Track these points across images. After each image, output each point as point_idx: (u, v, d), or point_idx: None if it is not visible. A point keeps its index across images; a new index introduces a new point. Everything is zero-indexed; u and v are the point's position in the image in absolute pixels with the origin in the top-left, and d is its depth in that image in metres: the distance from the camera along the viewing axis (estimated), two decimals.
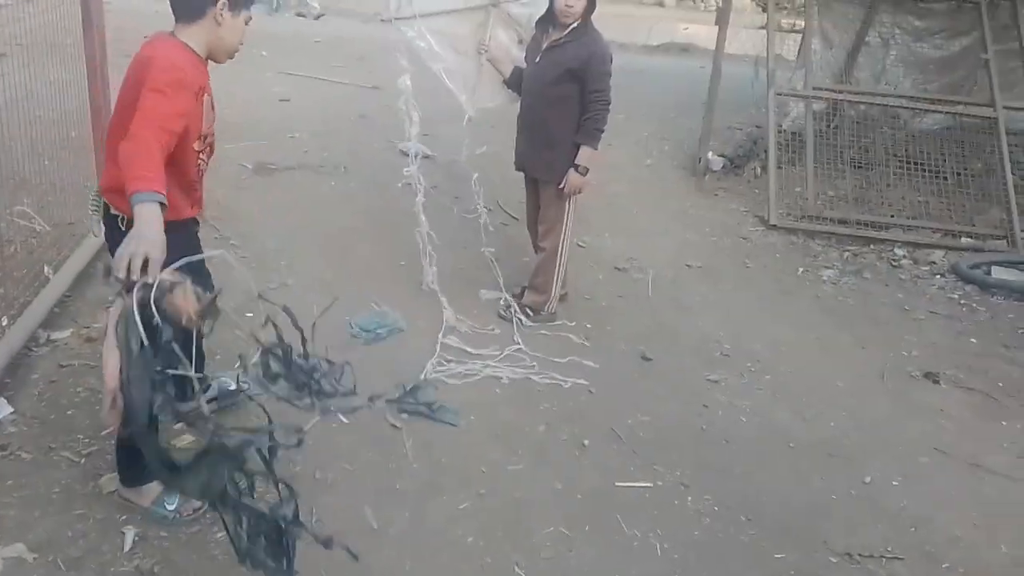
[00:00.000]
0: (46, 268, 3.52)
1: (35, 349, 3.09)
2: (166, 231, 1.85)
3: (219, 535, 2.34)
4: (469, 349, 3.58)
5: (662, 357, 3.73)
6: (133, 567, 2.18)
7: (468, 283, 4.21)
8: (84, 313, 3.41)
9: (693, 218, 5.69)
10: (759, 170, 6.56)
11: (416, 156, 4.15)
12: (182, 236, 2.29)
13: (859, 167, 6.54)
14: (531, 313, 3.93)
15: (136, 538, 2.28)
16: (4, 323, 3.17)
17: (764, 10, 7.62)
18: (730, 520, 2.71)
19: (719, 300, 4.46)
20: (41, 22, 3.87)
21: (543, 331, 3.84)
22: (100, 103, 3.87)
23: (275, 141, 5.90)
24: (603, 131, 3.71)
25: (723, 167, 6.50)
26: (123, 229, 2.18)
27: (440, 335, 3.65)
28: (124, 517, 2.35)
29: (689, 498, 2.79)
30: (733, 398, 3.46)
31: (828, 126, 6.65)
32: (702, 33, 15.64)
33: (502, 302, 4.01)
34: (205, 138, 2.42)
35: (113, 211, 2.29)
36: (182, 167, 2.31)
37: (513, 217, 5.18)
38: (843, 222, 5.81)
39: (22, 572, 2.10)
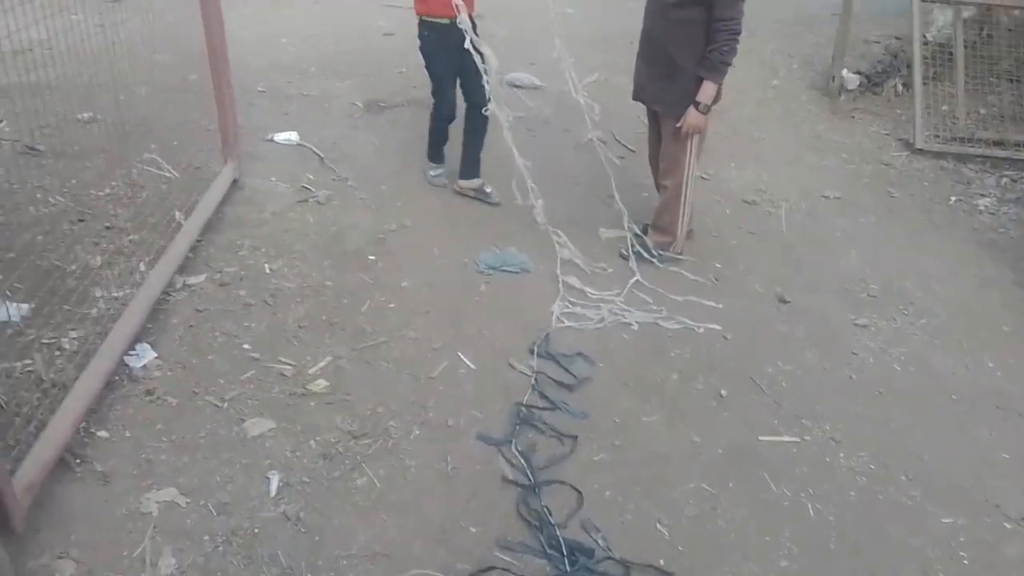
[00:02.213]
0: (177, 214, 3.59)
1: (172, 294, 3.17)
2: None
3: (359, 481, 2.36)
4: (591, 292, 3.44)
5: (801, 299, 3.47)
6: (280, 512, 2.22)
7: (586, 220, 4.04)
8: (216, 258, 3.48)
9: (828, 143, 5.24)
10: (901, 87, 5.97)
11: (493, 84, 3.80)
12: None
13: (1015, 80, 5.82)
14: (656, 253, 3.73)
15: (281, 483, 2.32)
16: (142, 268, 3.27)
17: None
18: (888, 479, 2.51)
19: (862, 235, 4.10)
20: None
21: (670, 272, 3.64)
22: (216, 44, 3.85)
23: (383, 77, 5.81)
24: (730, 64, 3.31)
25: (860, 85, 5.92)
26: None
27: (559, 275, 3.52)
28: (268, 462, 2.39)
29: (841, 455, 2.59)
30: (884, 344, 3.18)
31: (980, 35, 5.93)
32: None
33: (624, 241, 3.82)
34: None
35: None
36: None
37: (630, 150, 4.93)
38: (999, 143, 5.21)
39: (175, 516, 2.17)
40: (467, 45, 3.60)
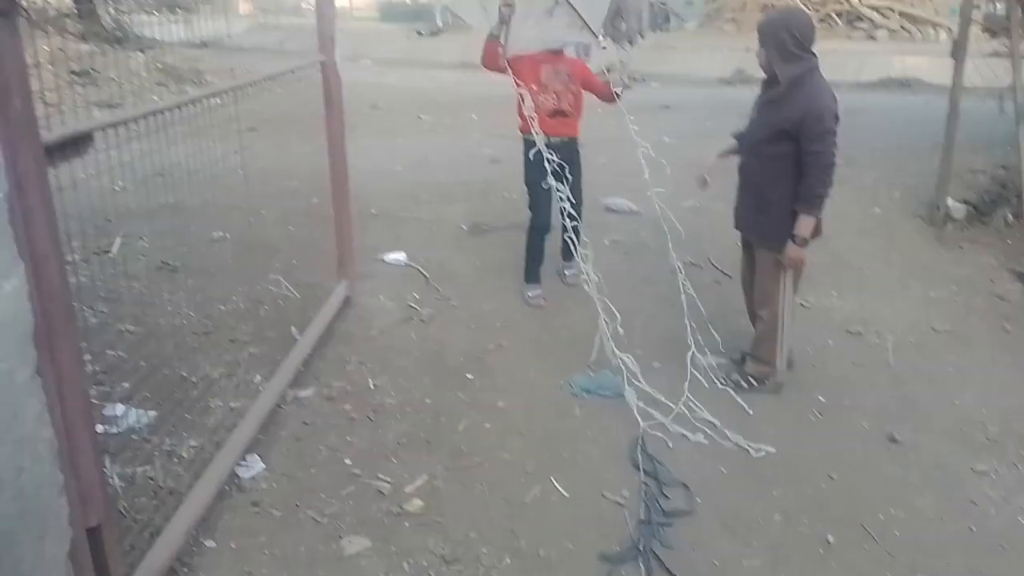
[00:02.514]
0: (293, 329, 3.83)
1: (283, 407, 3.35)
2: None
3: None
4: (690, 416, 3.39)
5: (913, 439, 3.30)
6: None
7: (680, 346, 4.03)
8: (325, 372, 3.67)
9: (935, 274, 5.09)
10: (1010, 217, 5.78)
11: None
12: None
13: None
14: (755, 383, 3.67)
15: None
16: (258, 380, 3.48)
17: (993, 36, 6.80)
18: None
19: (976, 371, 3.90)
20: (286, 100, 4.30)
21: (769, 403, 3.56)
22: (340, 172, 4.20)
23: (487, 201, 6.14)
24: (824, 196, 3.30)
25: (967, 215, 5.79)
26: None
27: (643, 404, 3.50)
28: None
29: None
30: (1007, 493, 2.97)
31: None
32: (923, 66, 14.36)
33: (721, 368, 3.78)
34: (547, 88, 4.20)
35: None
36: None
37: (726, 275, 4.94)
38: None
39: None
40: (547, 165, 3.97)
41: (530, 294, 4.56)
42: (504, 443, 3.21)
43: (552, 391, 3.63)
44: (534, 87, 4.16)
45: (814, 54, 3.31)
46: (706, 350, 3.77)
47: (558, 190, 3.92)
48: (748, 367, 3.72)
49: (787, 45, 3.25)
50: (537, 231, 4.49)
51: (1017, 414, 3.51)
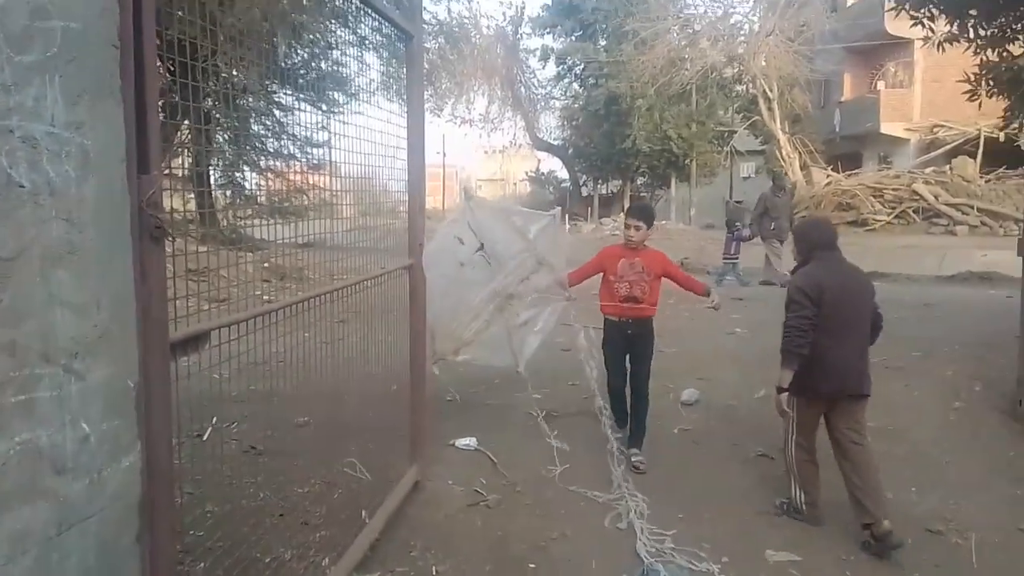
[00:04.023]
0: (363, 513, 3.99)
1: None
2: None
3: None
4: None
5: None
6: None
7: (755, 539, 3.96)
8: (391, 556, 3.76)
9: (1020, 470, 4.87)
10: None
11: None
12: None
13: None
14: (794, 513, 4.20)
15: None
16: (325, 563, 3.60)
17: None
18: None
19: None
20: (375, 294, 4.75)
21: None
22: (419, 361, 4.52)
23: (557, 388, 6.34)
24: (787, 352, 3.93)
25: None
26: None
27: None
28: None
29: None
30: None
31: None
32: (1004, 260, 14.28)
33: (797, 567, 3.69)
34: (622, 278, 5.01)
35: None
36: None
37: None
38: None
39: None
40: (581, 340, 5.26)
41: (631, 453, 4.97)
42: None
43: None
44: (611, 277, 5.03)
45: (834, 249, 4.15)
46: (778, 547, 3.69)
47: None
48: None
49: (803, 248, 4.22)
50: (612, 388, 5.24)
51: None
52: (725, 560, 3.76)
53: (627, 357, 5.09)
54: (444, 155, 44.30)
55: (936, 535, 4.06)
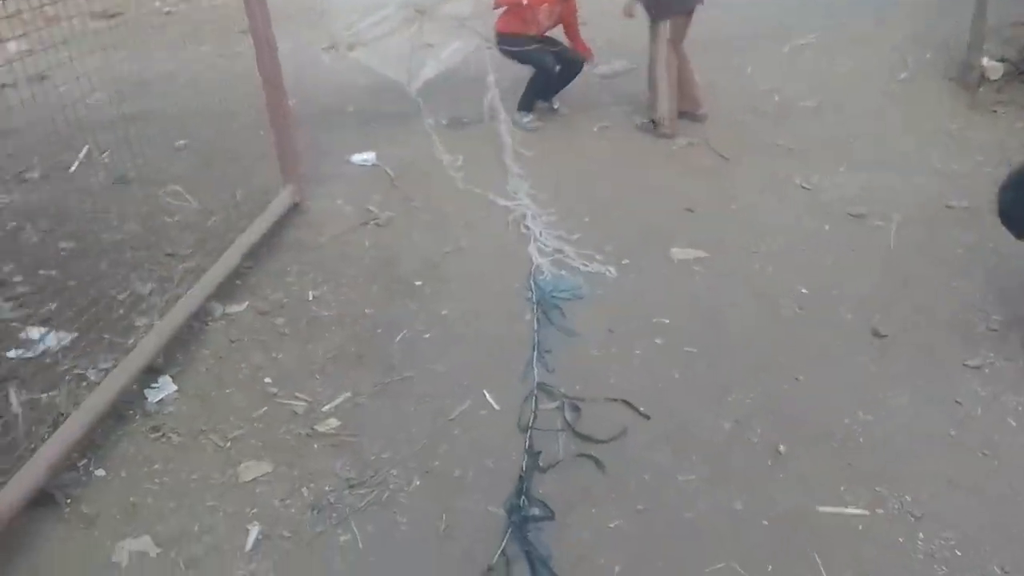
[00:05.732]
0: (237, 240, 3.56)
1: (210, 323, 3.15)
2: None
3: (342, 538, 2.17)
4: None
5: (901, 333, 2.91)
6: (249, 571, 2.07)
7: (661, 240, 3.67)
8: (263, 284, 3.44)
9: (960, 142, 4.50)
10: None
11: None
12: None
13: None
14: (653, 127, 4.75)
15: (259, 536, 2.17)
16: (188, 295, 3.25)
17: None
18: (977, 569, 1.98)
19: (989, 253, 3.41)
20: None
21: (743, 294, 3.20)
22: (269, 72, 3.81)
23: (472, 92, 5.66)
24: None
25: (1004, 74, 5.06)
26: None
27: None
28: (253, 511, 2.25)
29: (920, 535, 2.09)
30: (998, 391, 2.59)
31: None
32: None
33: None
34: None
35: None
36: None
37: (724, 157, 4.50)
38: None
39: (143, 567, 2.08)
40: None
41: (525, 120, 5.04)
42: (442, 355, 2.95)
43: (506, 296, 3.33)
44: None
45: None
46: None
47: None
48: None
49: None
50: (544, 71, 4.96)
51: None
52: (625, 262, 3.49)
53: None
54: None
55: (857, 219, 3.77)
